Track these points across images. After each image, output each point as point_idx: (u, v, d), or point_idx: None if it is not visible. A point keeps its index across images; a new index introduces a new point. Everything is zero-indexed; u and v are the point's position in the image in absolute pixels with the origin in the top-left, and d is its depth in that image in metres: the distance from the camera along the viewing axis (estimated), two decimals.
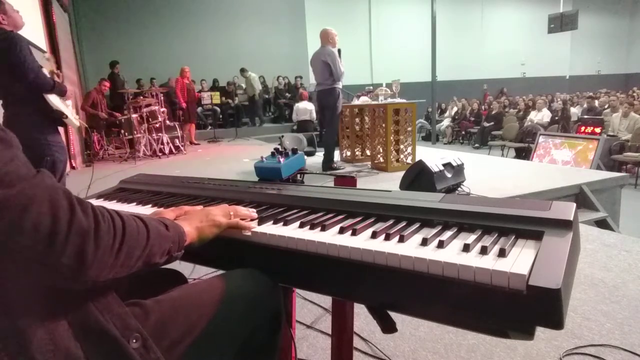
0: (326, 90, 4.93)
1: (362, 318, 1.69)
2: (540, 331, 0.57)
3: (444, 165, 3.31)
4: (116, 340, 0.59)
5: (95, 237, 0.55)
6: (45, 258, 0.51)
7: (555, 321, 0.54)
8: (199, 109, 10.00)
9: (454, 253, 0.65)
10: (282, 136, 6.73)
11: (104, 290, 0.63)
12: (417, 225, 0.78)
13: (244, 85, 10.97)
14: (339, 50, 4.95)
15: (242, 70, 10.70)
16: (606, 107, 9.47)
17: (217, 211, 0.86)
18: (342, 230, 0.79)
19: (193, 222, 0.81)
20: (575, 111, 10.72)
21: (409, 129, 5.16)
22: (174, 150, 7.55)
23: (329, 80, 4.87)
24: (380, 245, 0.70)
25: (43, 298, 0.57)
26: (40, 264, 0.52)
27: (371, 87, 7.10)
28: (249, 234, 0.84)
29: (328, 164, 5.10)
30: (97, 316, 0.60)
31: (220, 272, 0.84)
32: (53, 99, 2.42)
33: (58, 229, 0.52)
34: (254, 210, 0.93)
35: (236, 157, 6.77)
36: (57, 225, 0.52)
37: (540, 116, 9.73)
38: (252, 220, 0.89)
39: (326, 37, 4.93)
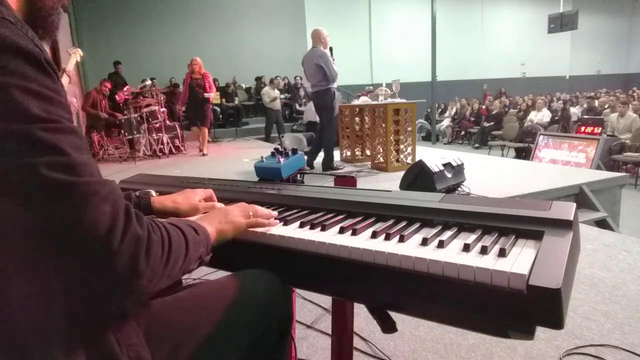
0: (321, 92, 4.93)
1: (362, 318, 1.68)
2: (540, 331, 0.57)
3: (444, 165, 3.31)
4: None
5: (148, 247, 0.55)
6: (99, 258, 0.50)
7: (556, 321, 0.53)
8: None
9: (454, 253, 0.65)
10: (282, 136, 6.73)
11: (125, 319, 0.62)
12: (417, 225, 0.78)
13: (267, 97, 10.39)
14: (331, 49, 4.94)
15: (258, 79, 10.51)
16: (606, 107, 9.47)
17: (236, 211, 0.82)
18: (342, 230, 0.78)
19: (213, 222, 0.77)
20: (575, 111, 10.72)
21: (409, 129, 5.16)
22: (174, 150, 7.54)
23: (323, 81, 4.87)
24: (380, 245, 0.70)
25: (67, 323, 0.55)
26: (94, 265, 0.50)
27: (371, 87, 7.11)
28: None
29: (328, 164, 5.11)
30: (114, 347, 0.58)
31: (220, 271, 0.83)
32: None
33: (115, 230, 0.51)
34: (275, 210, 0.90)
35: (236, 157, 6.77)
36: (115, 227, 0.51)
37: (540, 116, 9.72)
38: (273, 218, 0.85)
39: (317, 38, 4.91)
